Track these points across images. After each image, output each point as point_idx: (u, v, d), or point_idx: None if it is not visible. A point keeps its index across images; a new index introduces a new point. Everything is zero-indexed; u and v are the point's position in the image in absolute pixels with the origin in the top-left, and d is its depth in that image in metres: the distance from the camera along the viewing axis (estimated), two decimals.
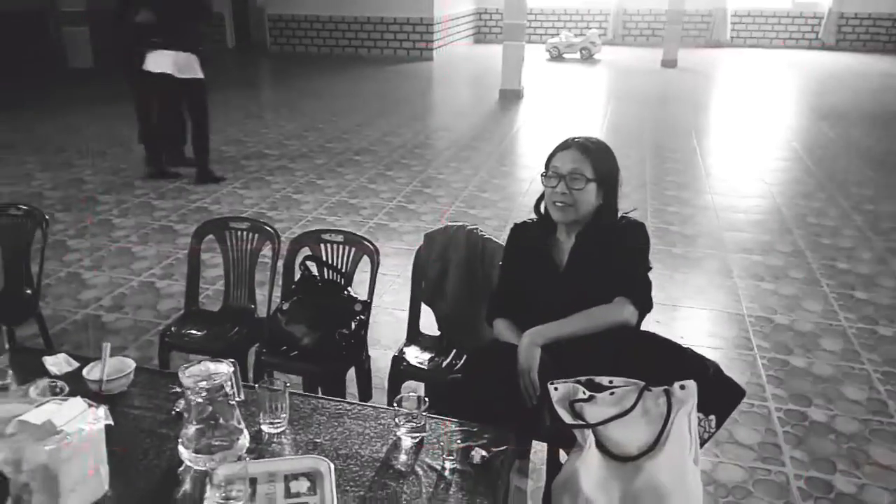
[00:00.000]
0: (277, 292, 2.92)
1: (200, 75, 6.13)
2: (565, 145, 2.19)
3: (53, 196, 6.02)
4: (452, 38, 16.89)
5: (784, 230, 5.48)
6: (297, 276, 2.86)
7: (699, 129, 9.17)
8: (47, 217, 3.15)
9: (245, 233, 3.04)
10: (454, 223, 2.89)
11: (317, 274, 2.88)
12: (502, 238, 2.47)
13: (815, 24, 17.42)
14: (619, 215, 2.20)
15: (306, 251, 2.93)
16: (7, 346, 1.95)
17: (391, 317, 3.93)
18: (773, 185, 6.66)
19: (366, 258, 2.88)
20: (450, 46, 16.57)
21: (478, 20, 18.84)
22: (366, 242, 2.90)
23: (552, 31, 18.03)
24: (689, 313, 4.16)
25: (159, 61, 5.97)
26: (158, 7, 5.84)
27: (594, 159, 2.14)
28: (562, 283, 2.17)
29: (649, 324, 2.19)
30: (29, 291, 3.12)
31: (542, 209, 2.26)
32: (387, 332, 3.75)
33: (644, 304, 2.13)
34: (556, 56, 15.79)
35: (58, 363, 2.00)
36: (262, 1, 15.62)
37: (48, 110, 9.58)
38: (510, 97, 10.86)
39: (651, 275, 2.19)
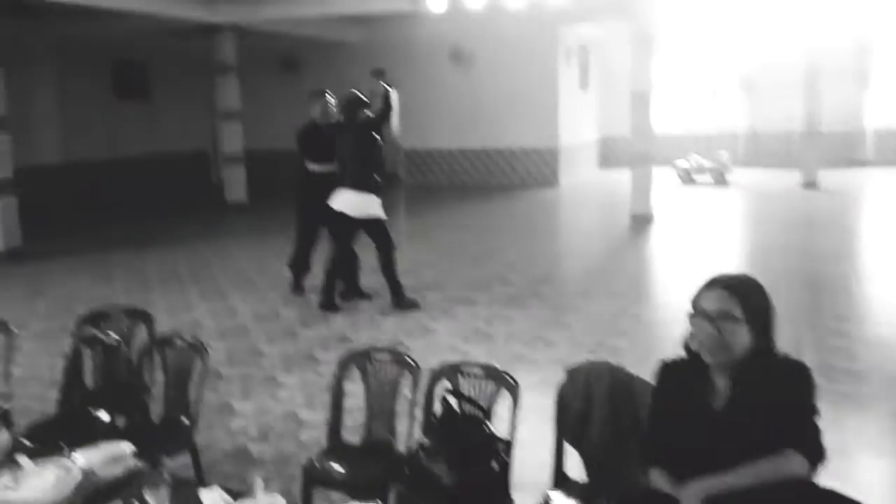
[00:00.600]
0: (417, 425, 2.93)
1: (381, 215, 6.51)
2: (711, 284, 2.11)
3: (209, 325, 6.41)
4: (578, 165, 17.17)
5: None
6: (437, 408, 2.88)
7: (852, 254, 8.69)
8: (207, 349, 3.35)
9: (386, 364, 3.10)
10: (596, 358, 2.83)
11: (457, 408, 2.89)
12: (644, 371, 2.39)
13: None
14: (777, 354, 2.09)
15: (446, 383, 2.93)
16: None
17: (531, 455, 3.81)
18: None
19: (506, 392, 2.84)
20: (575, 173, 16.81)
21: (603, 146, 19.10)
22: (506, 377, 2.88)
23: (680, 154, 17.82)
24: (869, 464, 3.76)
25: (344, 200, 6.42)
26: (346, 153, 6.44)
27: (743, 298, 2.05)
28: (719, 428, 2.05)
29: (824, 477, 2.02)
30: (186, 421, 3.29)
31: (692, 347, 2.15)
32: (528, 473, 3.63)
33: (816, 455, 1.99)
34: (687, 179, 15.59)
35: (213, 498, 2.06)
36: (397, 136, 16.55)
37: (208, 242, 10.39)
38: (641, 222, 10.76)
39: (820, 420, 2.05)
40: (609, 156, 19.01)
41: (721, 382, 2.09)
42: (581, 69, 16.97)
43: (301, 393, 4.84)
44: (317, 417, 4.40)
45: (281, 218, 12.09)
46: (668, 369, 2.25)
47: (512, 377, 2.87)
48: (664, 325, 6.09)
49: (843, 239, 9.56)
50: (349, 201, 6.42)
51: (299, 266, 7.30)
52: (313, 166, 6.86)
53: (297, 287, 7.32)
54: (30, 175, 11.62)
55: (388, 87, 6.47)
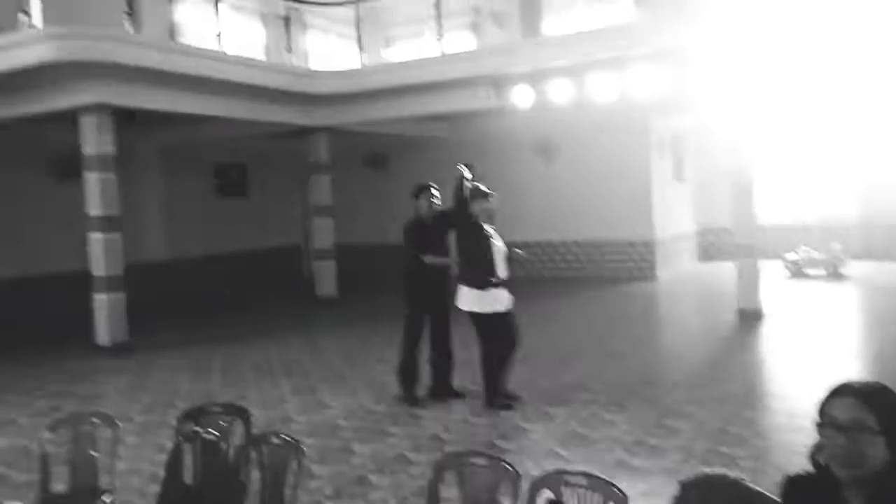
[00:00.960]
0: None
1: (484, 309, 6.46)
2: (841, 392, 1.94)
3: (300, 421, 6.42)
4: (676, 257, 16.73)
5: None
6: None
7: None
8: (304, 448, 3.34)
9: (483, 469, 2.99)
10: (712, 471, 2.67)
11: None
12: (761, 483, 2.23)
13: None
14: None
15: (547, 493, 2.79)
16: None
17: None
18: None
19: None
20: (674, 265, 16.34)
21: (702, 239, 18.56)
22: (614, 488, 2.71)
23: (787, 246, 16.95)
24: None
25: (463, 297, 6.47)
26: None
27: (878, 408, 1.87)
28: None
29: None
30: None
31: (821, 460, 1.95)
32: None
33: None
34: (797, 273, 14.63)
35: None
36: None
37: (299, 335, 10.55)
38: (749, 317, 10.18)
39: None
40: (709, 248, 18.40)
41: (855, 500, 1.90)
42: (675, 159, 16.73)
43: (393, 496, 4.72)
44: None
45: (369, 312, 12.35)
46: (795, 486, 2.05)
47: (619, 489, 2.71)
48: (781, 431, 5.67)
49: None
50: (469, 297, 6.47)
51: (409, 373, 6.93)
52: (429, 258, 6.79)
53: (410, 397, 6.88)
54: (137, 272, 12.23)
55: (466, 180, 6.56)
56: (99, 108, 9.65)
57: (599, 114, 13.73)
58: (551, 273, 16.08)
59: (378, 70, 11.73)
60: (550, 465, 4.95)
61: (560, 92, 10.79)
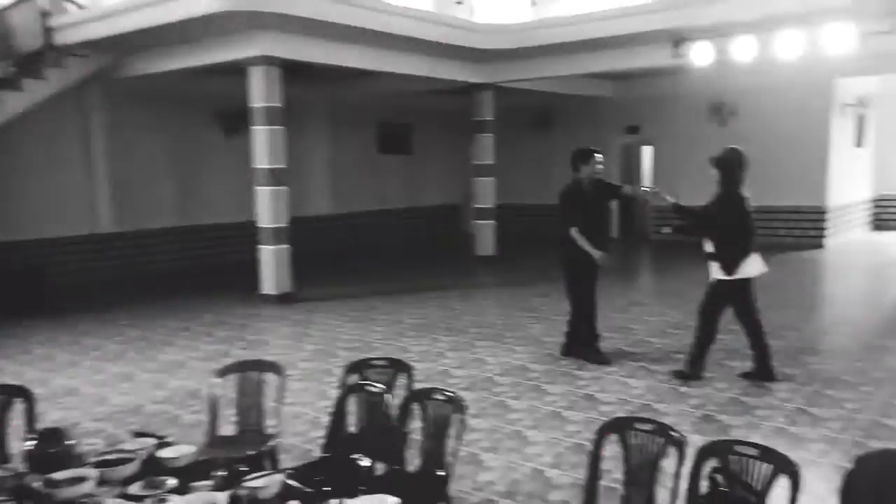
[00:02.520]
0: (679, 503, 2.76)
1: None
2: None
3: (458, 375, 6.59)
4: (847, 226, 15.71)
5: None
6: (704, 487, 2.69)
7: None
8: (465, 404, 3.40)
9: (648, 435, 2.96)
10: (892, 447, 2.49)
11: (726, 488, 2.67)
12: None
13: None
14: None
15: (714, 462, 2.75)
16: None
17: None
18: None
19: (784, 477, 2.59)
20: (844, 234, 15.41)
21: (876, 207, 17.31)
22: (786, 460, 2.63)
23: None
24: None
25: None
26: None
27: None
28: None
29: None
30: (442, 472, 3.35)
31: None
32: None
33: None
34: None
35: None
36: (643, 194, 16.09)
37: (459, 293, 10.73)
38: None
39: None
40: (884, 217, 17.22)
41: None
42: (857, 124, 15.72)
43: (548, 452, 4.78)
44: (564, 479, 4.32)
45: (527, 273, 12.36)
46: None
47: (793, 461, 2.60)
48: None
49: None
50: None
51: (584, 335, 6.97)
52: (574, 233, 6.60)
53: (595, 357, 6.86)
54: (302, 224, 12.83)
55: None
56: (266, 61, 9.82)
57: (780, 74, 12.94)
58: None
59: (549, 24, 11.36)
60: (711, 431, 4.94)
61: (742, 49, 10.22)
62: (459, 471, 4.37)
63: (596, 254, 6.55)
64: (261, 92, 9.96)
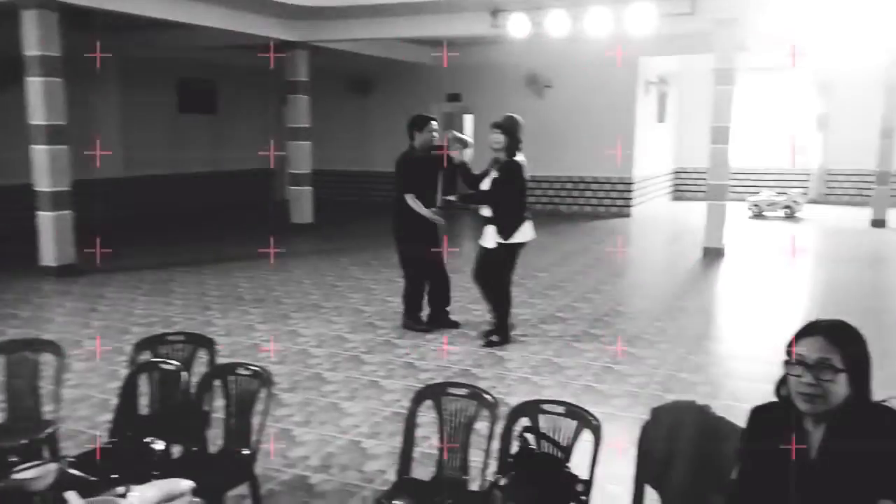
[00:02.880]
0: (492, 463, 2.79)
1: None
2: (811, 331, 2.02)
3: (270, 348, 6.28)
4: (650, 196, 16.93)
5: None
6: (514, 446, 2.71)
7: None
8: (272, 377, 3.20)
9: (462, 399, 2.96)
10: (682, 399, 2.67)
11: (535, 446, 2.71)
12: (717, 406, 2.31)
13: None
14: (872, 403, 2.00)
15: (525, 421, 2.79)
16: None
17: (605, 494, 3.55)
18: None
19: (587, 431, 2.71)
20: (648, 204, 16.58)
21: (676, 178, 18.89)
22: (588, 416, 2.74)
23: (753, 189, 17.61)
24: None
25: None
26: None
27: (844, 347, 1.97)
28: (812, 478, 1.95)
29: None
30: (246, 451, 3.14)
31: (785, 393, 2.06)
32: None
33: None
34: (758, 214, 15.32)
35: None
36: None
37: (271, 263, 10.24)
38: (713, 255, 10.52)
39: None
40: (682, 188, 18.80)
41: (815, 431, 2.01)
42: (659, 101, 16.84)
43: (365, 422, 4.68)
44: (381, 448, 4.24)
45: (346, 241, 12.14)
46: (760, 416, 2.16)
47: (594, 416, 2.70)
48: (737, 360, 5.98)
49: None
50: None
51: (413, 301, 6.89)
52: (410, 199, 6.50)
53: (415, 323, 6.83)
54: (89, 189, 11.65)
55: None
56: (40, 3, 8.75)
57: (590, 50, 13.51)
58: (531, 208, 15.93)
59: None
60: (524, 391, 5.08)
61: (556, 23, 10.54)
62: (269, 448, 4.16)
63: (435, 218, 6.48)
64: (35, 39, 8.84)
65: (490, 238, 6.12)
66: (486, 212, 6.13)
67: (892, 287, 8.62)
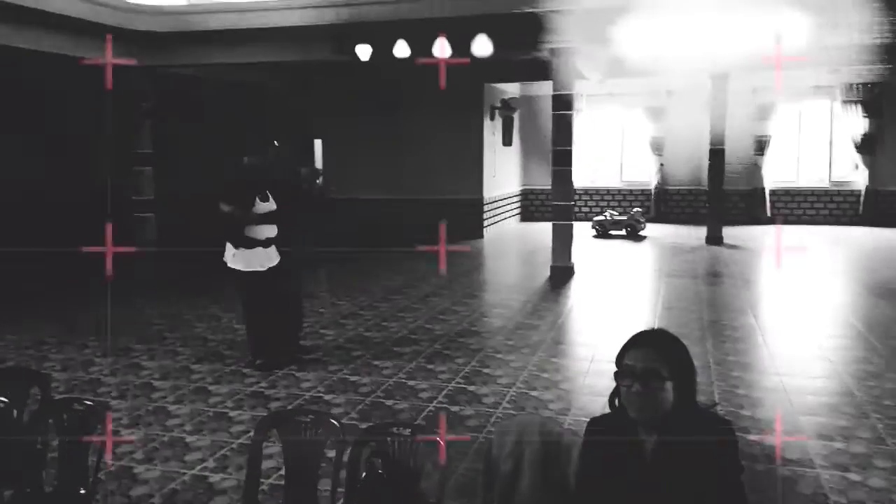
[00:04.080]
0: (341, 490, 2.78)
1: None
2: (637, 343, 2.15)
3: (110, 382, 6.01)
4: (501, 217, 17.48)
5: (861, 414, 5.17)
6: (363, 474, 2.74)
7: (753, 305, 8.99)
8: (109, 412, 3.10)
9: (309, 426, 2.93)
10: (526, 413, 2.79)
11: (382, 471, 2.76)
12: (569, 421, 2.34)
13: (854, 200, 17.65)
14: (699, 408, 2.15)
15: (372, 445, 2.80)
16: None
17: None
18: (838, 364, 6.39)
19: (434, 453, 2.75)
20: (498, 224, 17.12)
21: (524, 199, 19.61)
22: (434, 436, 2.79)
23: (596, 209, 18.64)
24: None
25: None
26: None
27: (668, 357, 2.10)
28: (648, 483, 2.07)
29: None
30: (83, 491, 3.01)
31: (618, 403, 2.17)
32: None
33: None
34: (602, 233, 16.09)
35: None
36: (333, 191, 16.09)
37: (111, 292, 9.68)
38: (561, 274, 10.92)
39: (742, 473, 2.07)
40: (530, 208, 19.52)
41: (649, 438, 2.12)
42: (505, 124, 17.58)
43: (212, 456, 4.55)
44: (228, 482, 4.15)
45: (192, 266, 11.59)
46: (597, 426, 2.26)
47: (440, 437, 2.77)
48: (586, 375, 6.17)
49: (746, 291, 9.85)
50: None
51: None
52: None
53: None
54: None
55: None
56: None
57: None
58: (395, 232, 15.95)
59: (204, 9, 10.87)
60: (378, 416, 5.09)
61: (400, 49, 10.70)
62: (108, 487, 3.99)
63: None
64: None
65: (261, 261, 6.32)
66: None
67: (728, 300, 9.15)
